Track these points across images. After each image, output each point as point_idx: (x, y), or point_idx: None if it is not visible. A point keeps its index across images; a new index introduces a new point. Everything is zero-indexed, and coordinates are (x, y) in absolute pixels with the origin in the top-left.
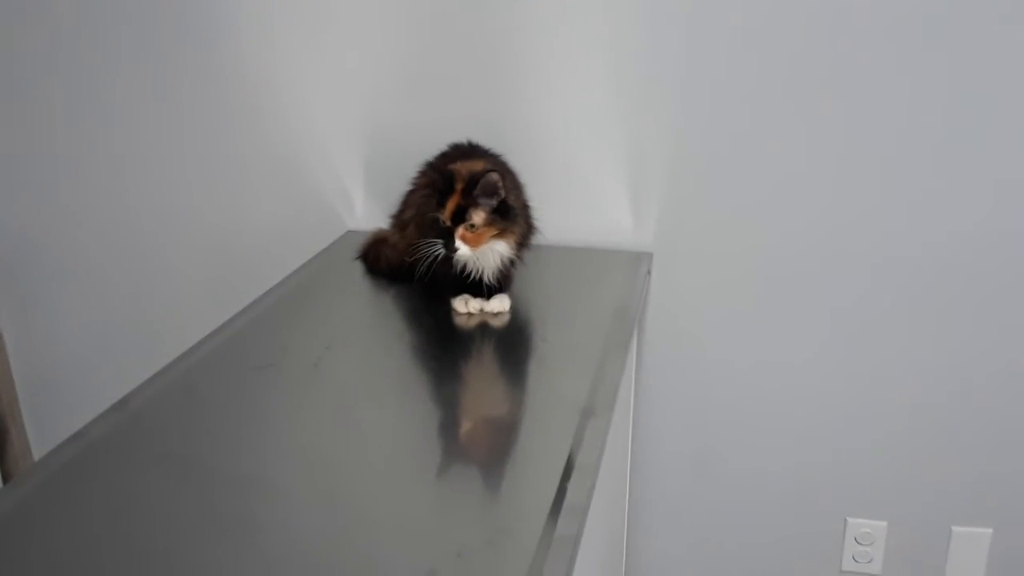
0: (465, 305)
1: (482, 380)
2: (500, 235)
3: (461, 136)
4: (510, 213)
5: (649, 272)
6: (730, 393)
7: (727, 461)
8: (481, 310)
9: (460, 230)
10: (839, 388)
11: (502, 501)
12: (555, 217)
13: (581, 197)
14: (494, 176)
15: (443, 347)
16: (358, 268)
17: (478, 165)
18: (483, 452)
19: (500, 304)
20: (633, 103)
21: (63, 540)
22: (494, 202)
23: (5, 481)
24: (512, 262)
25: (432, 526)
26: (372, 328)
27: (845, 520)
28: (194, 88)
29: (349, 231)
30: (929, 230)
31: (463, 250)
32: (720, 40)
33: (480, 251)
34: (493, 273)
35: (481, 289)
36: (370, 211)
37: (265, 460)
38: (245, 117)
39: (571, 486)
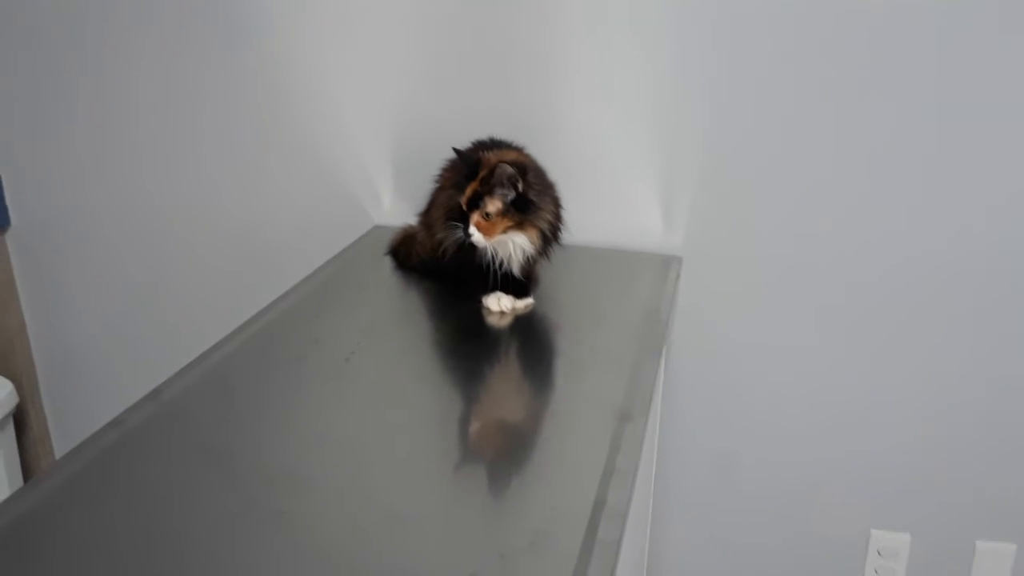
0: (498, 303)
1: (515, 380)
2: (519, 228)
3: (489, 132)
4: (530, 208)
5: (679, 276)
6: (756, 399)
7: (751, 467)
8: (513, 308)
9: (475, 216)
10: (866, 397)
11: (541, 503)
12: (584, 217)
13: (610, 198)
14: (508, 168)
15: (474, 346)
16: (387, 263)
17: (509, 155)
18: (519, 453)
19: (524, 304)
20: (665, 105)
21: (95, 529)
22: (511, 194)
23: (24, 467)
24: (536, 257)
25: (471, 527)
26: (403, 324)
27: (869, 532)
28: (223, 82)
29: (376, 226)
30: (965, 232)
31: (477, 237)
32: (753, 43)
33: (497, 241)
34: (520, 267)
35: (508, 283)
36: (397, 206)
37: (299, 453)
38: (273, 111)
39: (611, 490)
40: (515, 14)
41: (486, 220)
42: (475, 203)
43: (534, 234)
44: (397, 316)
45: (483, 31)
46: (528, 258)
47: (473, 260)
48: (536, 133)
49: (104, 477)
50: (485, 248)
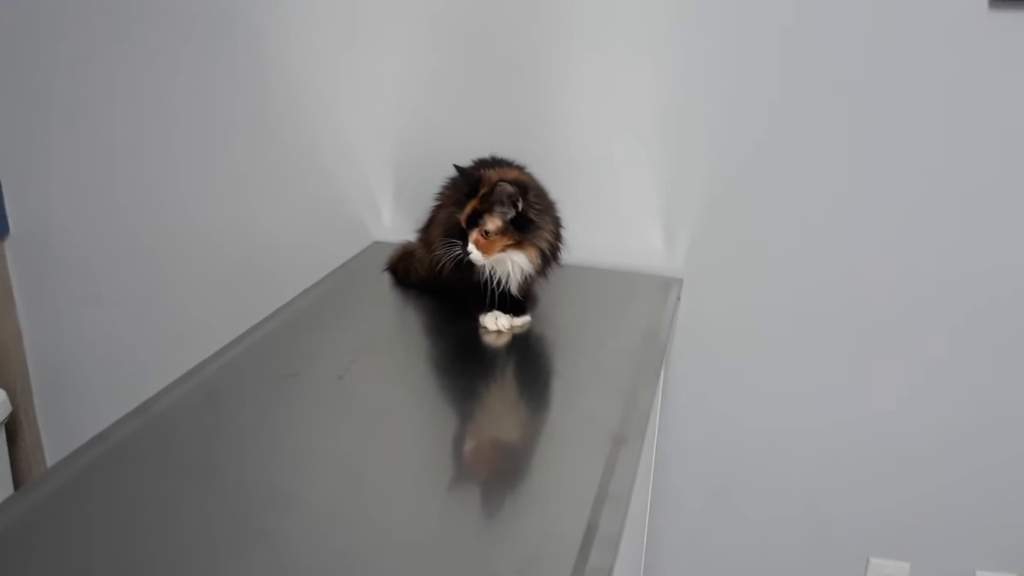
0: (495, 322)
1: (510, 400)
2: (518, 247)
3: (491, 149)
4: (530, 227)
5: (679, 298)
6: (755, 424)
7: (749, 494)
8: (510, 327)
9: (474, 234)
10: (866, 423)
11: (532, 527)
12: (584, 237)
13: (611, 218)
14: (508, 187)
15: (470, 364)
16: (385, 279)
17: (510, 173)
18: (512, 475)
19: (521, 321)
20: (668, 124)
21: (77, 545)
22: (510, 213)
23: (15, 476)
24: (534, 276)
25: (461, 550)
26: (398, 341)
27: (868, 560)
28: (223, 96)
29: (376, 242)
30: (969, 265)
31: (475, 255)
32: (759, 64)
33: (495, 259)
34: (518, 285)
35: (505, 301)
36: (397, 222)
37: (286, 472)
38: (273, 125)
39: (603, 515)
40: (518, 32)
41: (485, 238)
42: (474, 221)
43: (533, 253)
44: (393, 333)
45: (486, 49)
46: (526, 277)
47: (471, 278)
48: (538, 151)
49: (87, 492)
50: (483, 266)
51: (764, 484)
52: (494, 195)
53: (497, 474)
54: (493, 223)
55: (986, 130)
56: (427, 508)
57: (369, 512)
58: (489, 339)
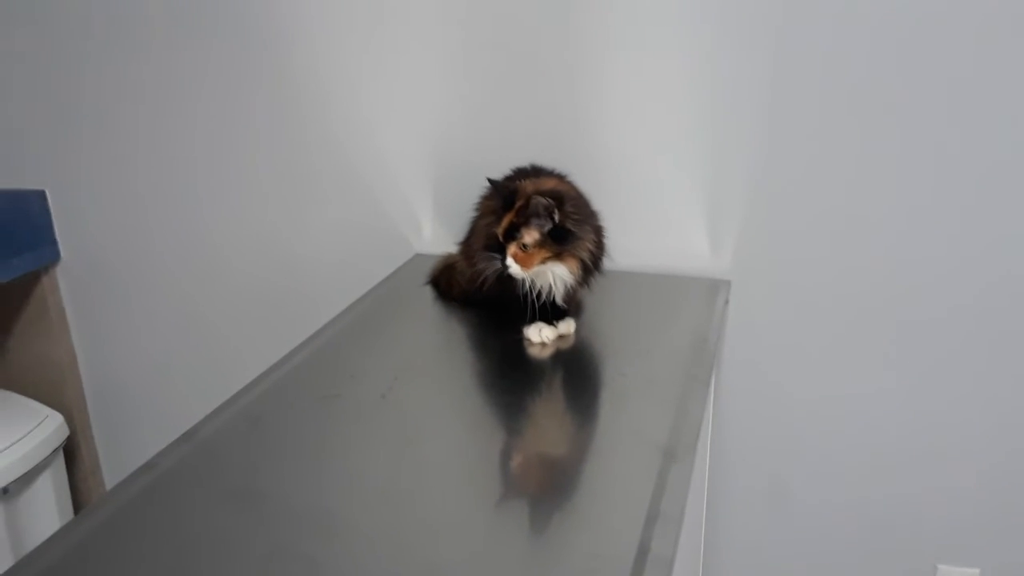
0: (539, 334)
1: (556, 415)
2: (558, 258)
3: (530, 158)
4: (568, 238)
5: (727, 301)
6: (810, 429)
7: (806, 502)
8: (556, 338)
9: (512, 248)
10: (926, 425)
11: (581, 549)
12: (628, 241)
13: (656, 221)
14: (543, 200)
15: (515, 378)
16: (427, 293)
17: (548, 183)
18: (559, 494)
19: (566, 327)
20: (711, 124)
21: (130, 573)
22: (547, 225)
23: (75, 499)
24: (575, 287)
25: (507, 574)
26: (441, 357)
27: (935, 567)
28: (265, 113)
29: (417, 255)
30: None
31: (514, 268)
32: (806, 65)
33: (535, 272)
34: (562, 296)
35: (548, 312)
36: (438, 234)
37: (332, 495)
38: (313, 139)
39: (655, 535)
40: (554, 40)
41: (523, 251)
42: (511, 234)
43: (574, 264)
44: (436, 348)
45: (521, 57)
46: (568, 288)
47: (513, 290)
48: (577, 158)
49: (136, 521)
50: (523, 279)
51: (823, 491)
52: (530, 208)
53: (543, 493)
54: (531, 236)
55: None
56: (473, 529)
57: (414, 534)
58: (533, 352)
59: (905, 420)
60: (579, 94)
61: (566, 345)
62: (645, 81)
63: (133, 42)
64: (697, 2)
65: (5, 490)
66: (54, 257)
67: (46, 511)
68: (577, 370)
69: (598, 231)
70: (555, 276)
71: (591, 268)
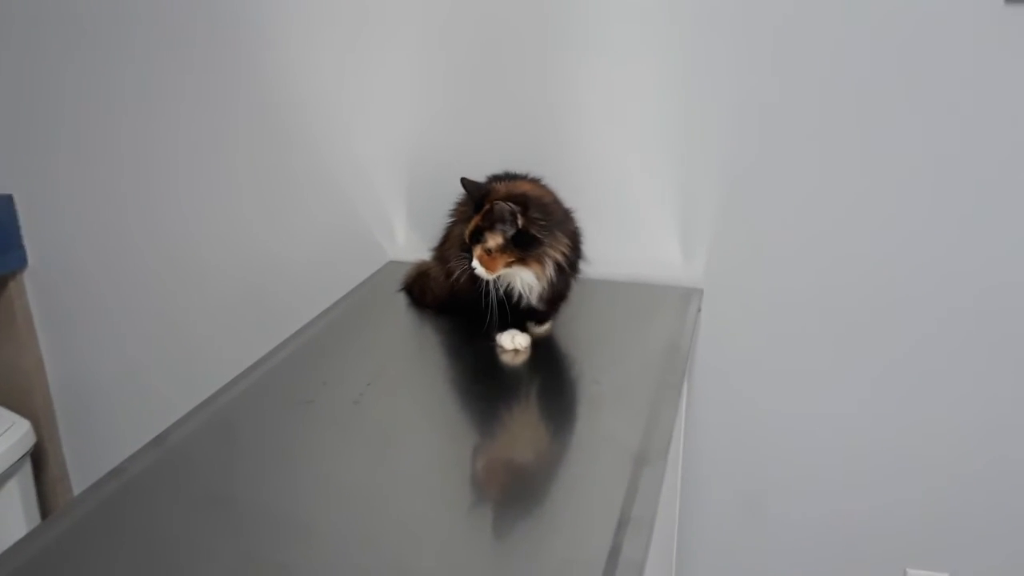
0: (512, 341)
1: (529, 421)
2: (522, 263)
3: (504, 165)
4: (533, 243)
5: (699, 309)
6: (782, 437)
7: (778, 509)
8: (528, 346)
9: (478, 250)
10: (896, 433)
11: (552, 555)
12: (601, 250)
13: (628, 229)
14: (506, 205)
15: (489, 385)
16: (400, 300)
17: (520, 187)
18: (531, 500)
19: (543, 329)
20: (684, 133)
21: None
22: (511, 230)
23: (43, 505)
24: (548, 289)
25: None
26: (415, 363)
27: (905, 571)
28: (240, 117)
29: (391, 261)
30: (993, 278)
31: (480, 271)
32: (777, 72)
33: (506, 275)
34: (537, 299)
35: (522, 316)
36: (412, 241)
37: (303, 501)
38: (283, 147)
39: (627, 540)
40: (528, 48)
41: (488, 255)
42: (476, 237)
43: (539, 269)
44: (409, 355)
45: (497, 65)
46: (542, 291)
47: (486, 295)
48: (552, 166)
49: (106, 526)
50: (496, 282)
51: (795, 497)
52: (494, 213)
53: (516, 499)
54: (494, 240)
55: (1006, 127)
56: (445, 534)
57: (386, 540)
58: (507, 358)
59: (876, 427)
60: (553, 102)
61: (541, 351)
62: (618, 89)
63: (104, 43)
64: (668, 11)
65: None
66: (21, 263)
67: (13, 518)
68: (550, 377)
69: (573, 235)
70: (523, 281)
71: (565, 271)
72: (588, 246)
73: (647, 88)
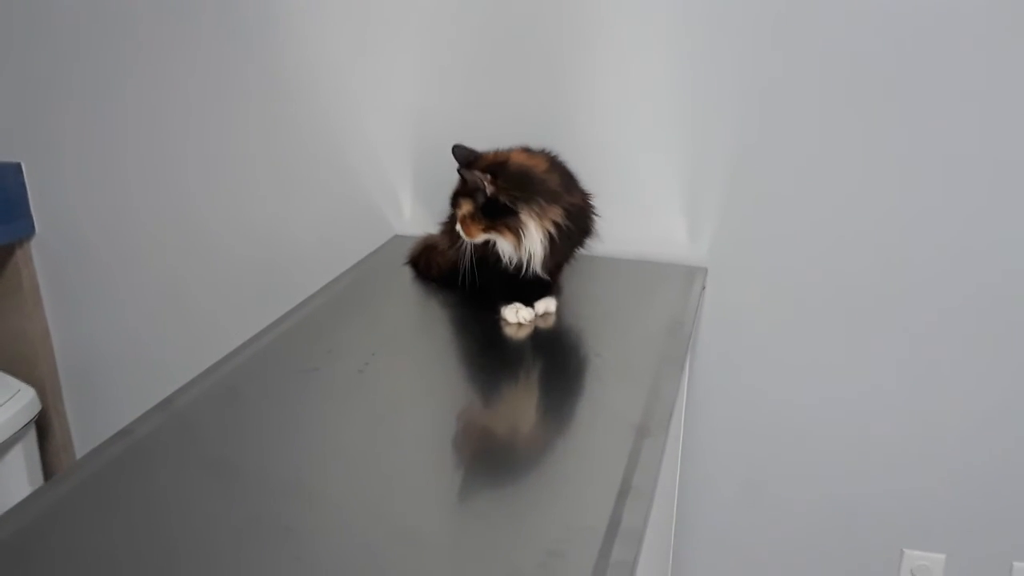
0: (516, 315)
1: (532, 393)
2: (495, 231)
3: (512, 141)
4: (504, 212)
5: (704, 288)
6: (782, 415)
7: (778, 486)
8: (532, 319)
9: (459, 214)
10: (896, 414)
11: (554, 521)
12: (608, 227)
13: (634, 207)
14: (471, 174)
15: (493, 357)
16: (406, 273)
17: (509, 156)
18: (533, 469)
19: (545, 306)
20: (691, 111)
21: (100, 540)
22: (480, 198)
23: (46, 473)
24: (551, 256)
25: (482, 545)
26: (419, 335)
27: (902, 552)
28: (241, 95)
29: (397, 235)
30: (1004, 264)
31: (463, 234)
32: (785, 52)
33: (483, 240)
34: (541, 265)
35: (527, 291)
36: (418, 215)
37: (307, 467)
38: (290, 121)
39: (627, 509)
40: (538, 22)
41: (465, 220)
42: (455, 202)
43: (512, 239)
44: (414, 327)
45: (505, 40)
46: (545, 259)
47: (495, 265)
48: (558, 142)
49: (112, 487)
50: (504, 253)
51: (794, 474)
52: (466, 180)
53: (517, 468)
54: (466, 207)
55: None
56: (448, 502)
57: (390, 507)
58: (511, 332)
59: (876, 410)
60: (561, 79)
61: (545, 326)
62: (626, 68)
63: (113, 15)
64: None
65: None
66: (28, 231)
67: (17, 485)
68: (554, 351)
69: (572, 208)
70: (502, 250)
71: (556, 243)
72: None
73: (655, 69)
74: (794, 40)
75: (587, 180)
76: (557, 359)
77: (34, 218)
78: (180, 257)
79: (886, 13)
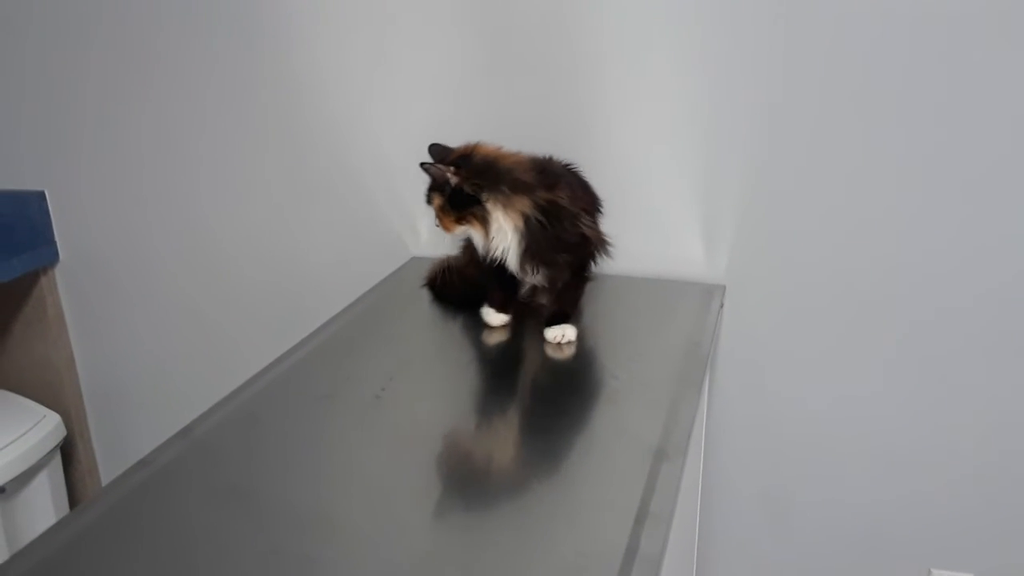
0: (487, 316)
1: (549, 416)
2: (465, 222)
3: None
4: (470, 202)
5: (722, 305)
6: (805, 434)
7: (801, 506)
8: (506, 324)
9: (434, 209)
10: (922, 431)
11: (569, 548)
12: (623, 245)
13: (651, 226)
14: (431, 167)
15: (509, 380)
16: (423, 296)
17: (475, 149)
18: (549, 493)
19: (562, 332)
20: (707, 127)
21: (124, 570)
22: (447, 189)
23: (71, 498)
24: (526, 250)
25: (497, 571)
26: (436, 358)
27: (929, 571)
28: (265, 115)
29: (414, 257)
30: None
31: (442, 230)
32: (803, 68)
33: (459, 234)
34: (519, 260)
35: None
36: (435, 237)
37: (326, 494)
38: (313, 141)
39: (644, 534)
40: (552, 40)
41: (438, 215)
42: (428, 198)
43: (480, 228)
44: (431, 350)
45: (518, 58)
46: (522, 254)
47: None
48: (573, 159)
49: (132, 518)
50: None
51: (817, 495)
52: (430, 174)
53: (533, 492)
54: (437, 200)
55: None
56: (463, 527)
57: (407, 532)
58: (529, 353)
59: (900, 425)
60: (576, 97)
61: (560, 346)
62: (641, 84)
63: (133, 43)
64: (693, 7)
65: (2, 489)
66: (53, 258)
67: (43, 511)
68: (570, 372)
69: (548, 203)
70: (474, 241)
71: (535, 234)
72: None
73: (670, 85)
74: (814, 54)
75: (602, 196)
76: (574, 381)
77: (58, 245)
78: (201, 283)
79: (916, 28)
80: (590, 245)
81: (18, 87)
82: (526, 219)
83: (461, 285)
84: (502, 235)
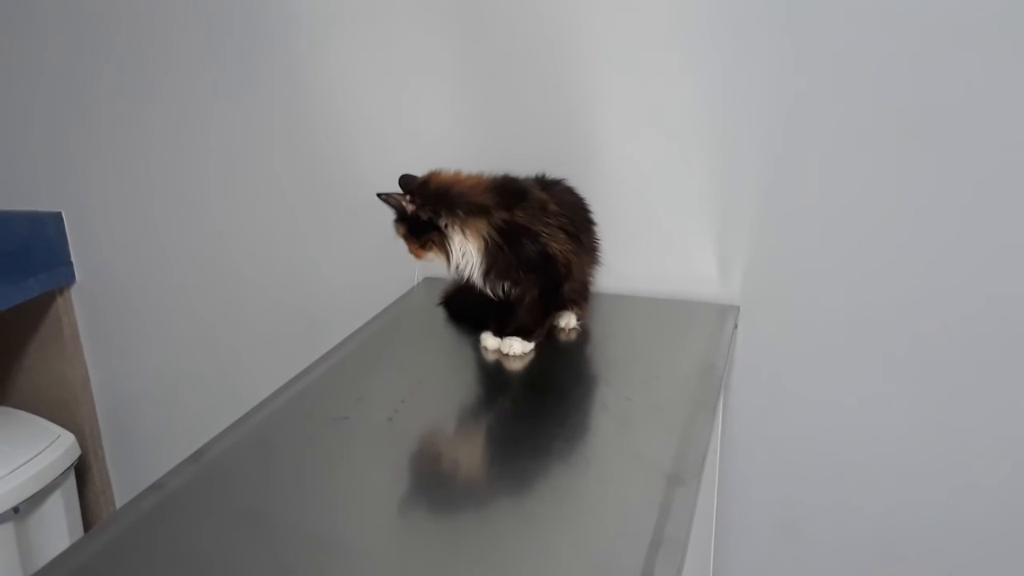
0: (488, 340)
1: (563, 439)
2: (427, 249)
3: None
4: (428, 228)
5: (736, 326)
6: (822, 459)
7: (818, 530)
8: (499, 350)
9: (400, 236)
10: (942, 452)
11: (585, 573)
12: (635, 266)
13: (663, 245)
14: (391, 198)
15: (522, 402)
16: (437, 316)
17: (436, 177)
18: (562, 518)
19: (509, 347)
20: (720, 145)
21: None
22: (404, 217)
23: (85, 517)
24: (491, 267)
25: None
26: (449, 380)
27: None
28: (279, 136)
29: (426, 277)
30: None
31: (414, 257)
32: (816, 85)
33: (429, 259)
34: (484, 278)
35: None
36: None
37: (338, 517)
38: (323, 163)
39: (659, 560)
40: (559, 56)
41: (406, 243)
42: (395, 228)
43: (439, 252)
44: (443, 371)
45: (532, 79)
46: (488, 273)
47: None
48: (584, 178)
49: (144, 542)
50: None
51: (834, 520)
52: (390, 204)
53: (546, 519)
54: (400, 229)
55: None
56: (476, 551)
57: (420, 556)
58: (542, 375)
59: (919, 452)
60: (586, 113)
61: (572, 368)
62: (651, 101)
63: (149, 67)
64: (704, 19)
65: (16, 509)
66: (69, 278)
67: (57, 531)
68: (583, 395)
69: (506, 223)
70: (442, 265)
71: (496, 258)
72: (621, 262)
73: (681, 100)
74: (827, 71)
75: (613, 216)
76: (586, 404)
77: (74, 266)
78: (215, 304)
79: (929, 43)
80: (555, 263)
81: (34, 110)
82: (484, 240)
83: (476, 304)
84: (467, 257)
